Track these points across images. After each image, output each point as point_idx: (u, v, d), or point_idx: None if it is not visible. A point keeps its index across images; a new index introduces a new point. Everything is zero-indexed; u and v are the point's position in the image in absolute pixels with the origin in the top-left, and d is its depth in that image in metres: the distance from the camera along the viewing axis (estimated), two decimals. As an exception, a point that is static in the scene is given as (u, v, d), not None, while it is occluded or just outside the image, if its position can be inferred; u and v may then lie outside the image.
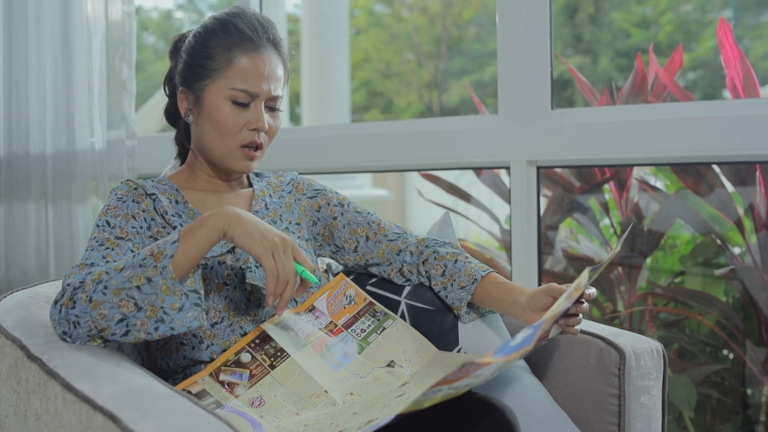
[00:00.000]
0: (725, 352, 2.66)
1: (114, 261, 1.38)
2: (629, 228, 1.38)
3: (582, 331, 1.57)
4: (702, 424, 2.60)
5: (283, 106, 1.62)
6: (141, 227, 1.47)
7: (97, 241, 1.42)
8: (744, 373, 2.55)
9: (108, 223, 1.45)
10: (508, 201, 2.29)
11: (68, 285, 1.29)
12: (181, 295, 1.26)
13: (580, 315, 1.40)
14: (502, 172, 2.89)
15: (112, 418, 1.02)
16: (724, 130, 1.97)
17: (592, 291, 1.39)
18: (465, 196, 2.88)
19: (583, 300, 1.39)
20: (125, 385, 1.11)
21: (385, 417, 1.13)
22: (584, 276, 1.23)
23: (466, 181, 3.14)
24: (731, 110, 2.01)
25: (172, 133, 1.77)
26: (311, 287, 1.56)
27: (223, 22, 1.54)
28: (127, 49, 2.51)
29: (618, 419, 1.50)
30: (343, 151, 2.47)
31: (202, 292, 1.32)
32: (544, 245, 2.73)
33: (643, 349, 1.52)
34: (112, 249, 1.41)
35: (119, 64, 2.51)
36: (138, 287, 1.25)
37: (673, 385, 2.42)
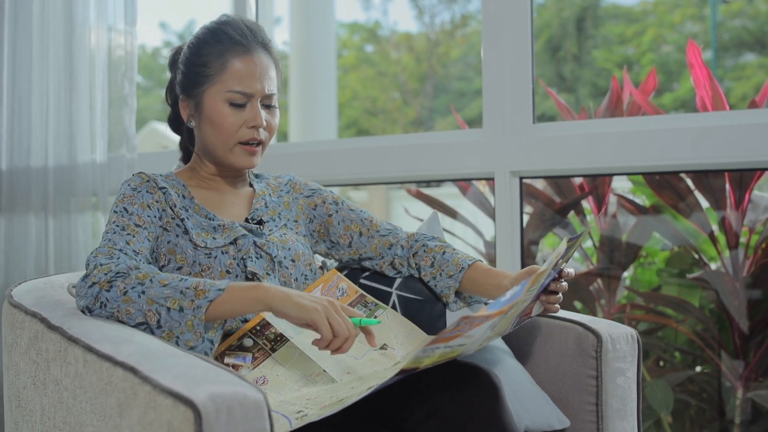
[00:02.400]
0: (702, 361, 2.76)
1: (134, 247, 1.49)
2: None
3: (561, 318, 1.68)
4: (680, 430, 2.70)
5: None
6: (154, 216, 1.58)
7: (118, 226, 1.52)
8: (720, 380, 2.65)
9: (126, 209, 1.55)
10: (493, 217, 2.40)
11: (102, 265, 1.39)
12: (199, 337, 1.35)
13: (560, 294, 1.51)
14: (487, 191, 3.02)
15: (132, 370, 1.12)
16: (695, 140, 2.10)
17: (571, 271, 1.50)
18: (451, 213, 3.00)
19: (563, 279, 1.49)
20: (143, 346, 1.20)
21: (384, 381, 1.23)
22: (563, 245, 1.34)
23: (453, 200, 3.25)
24: (701, 122, 2.15)
25: (170, 150, 1.87)
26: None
27: (213, 31, 1.66)
28: (129, 67, 2.62)
29: (596, 399, 1.60)
30: (333, 165, 2.58)
31: (217, 344, 1.42)
32: (527, 258, 2.84)
33: (619, 334, 1.62)
34: (133, 235, 1.51)
35: (121, 80, 2.62)
36: (168, 309, 1.34)
37: (651, 389, 2.52)
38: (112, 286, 1.36)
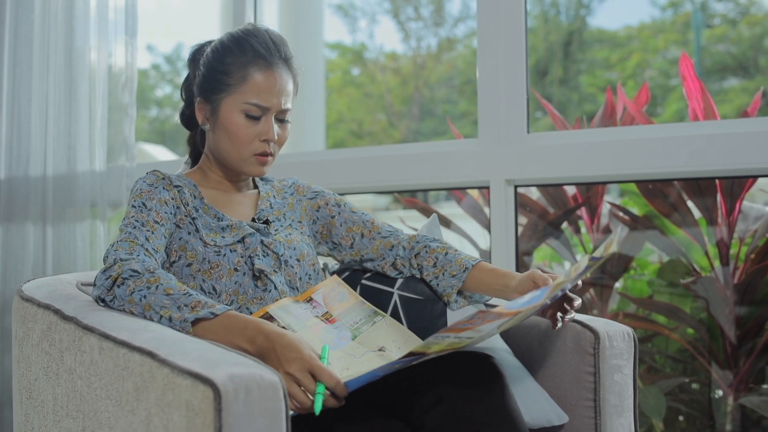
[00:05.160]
0: (692, 369, 2.80)
1: (153, 244, 1.52)
2: (617, 230, 1.54)
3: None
4: (671, 439, 2.74)
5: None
6: (170, 213, 1.61)
7: (137, 221, 1.55)
8: (710, 388, 2.69)
9: (144, 205, 1.59)
10: (487, 227, 2.44)
11: (123, 260, 1.43)
12: None
13: (573, 313, 1.56)
14: (481, 201, 3.06)
15: (150, 354, 1.14)
16: (687, 149, 2.15)
17: (578, 302, 1.58)
18: (445, 222, 3.04)
19: (573, 307, 1.55)
20: (158, 333, 1.23)
21: (387, 363, 1.26)
22: (584, 261, 1.38)
23: (449, 211, 3.29)
24: (693, 131, 2.20)
25: (170, 160, 1.90)
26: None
27: (238, 40, 1.68)
28: (129, 77, 2.66)
29: (594, 395, 1.63)
30: (330, 174, 2.62)
31: None
32: (521, 268, 2.88)
33: (616, 332, 1.66)
34: (152, 232, 1.55)
35: (121, 90, 2.65)
36: (160, 317, 1.35)
37: (643, 395, 2.56)
38: (124, 283, 1.40)
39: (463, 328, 1.20)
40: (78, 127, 2.64)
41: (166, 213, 1.60)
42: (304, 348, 1.26)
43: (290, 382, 1.23)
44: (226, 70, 1.66)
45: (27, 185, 2.65)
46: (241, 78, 1.65)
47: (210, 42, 1.77)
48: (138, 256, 1.47)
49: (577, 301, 1.58)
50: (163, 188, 1.64)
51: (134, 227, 1.54)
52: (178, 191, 1.65)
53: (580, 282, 1.55)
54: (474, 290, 1.71)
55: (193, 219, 1.63)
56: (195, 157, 1.86)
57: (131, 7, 2.67)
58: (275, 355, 1.26)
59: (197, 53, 1.78)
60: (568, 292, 1.55)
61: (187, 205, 1.65)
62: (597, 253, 1.37)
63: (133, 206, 1.59)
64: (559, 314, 1.59)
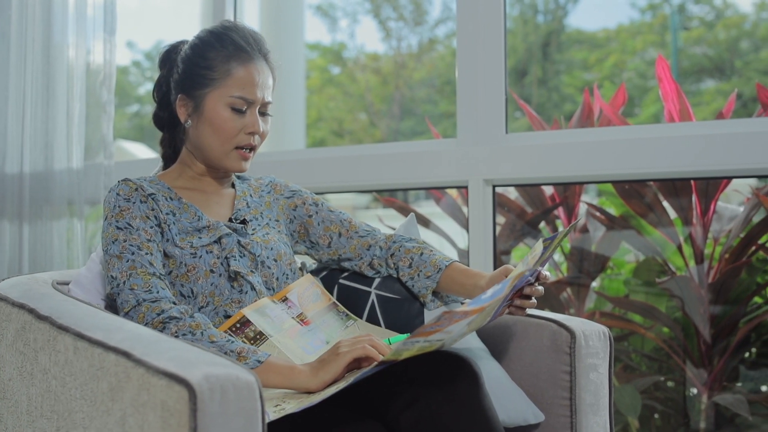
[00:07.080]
0: (668, 368, 2.83)
1: (157, 268, 1.54)
2: (579, 220, 1.53)
3: (536, 316, 1.73)
4: (646, 437, 2.76)
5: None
6: (156, 226, 1.60)
7: (132, 245, 1.54)
8: (685, 386, 2.72)
9: (130, 225, 1.57)
10: (466, 227, 2.45)
11: (146, 302, 1.46)
12: None
13: (533, 299, 1.54)
14: (460, 201, 3.07)
15: (125, 354, 1.14)
16: (663, 150, 2.17)
17: (548, 274, 1.54)
18: (424, 222, 3.05)
19: (540, 282, 1.53)
20: (134, 333, 1.23)
21: (363, 372, 1.27)
22: (538, 246, 1.39)
23: (427, 210, 3.30)
24: (668, 132, 2.22)
25: (147, 159, 1.88)
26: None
27: (218, 35, 1.68)
28: (108, 75, 2.64)
29: (570, 393, 1.64)
30: (311, 173, 2.62)
31: None
32: (499, 267, 2.89)
33: (592, 331, 1.67)
34: (150, 253, 1.55)
35: (99, 88, 2.64)
36: None
37: (619, 393, 2.58)
38: (165, 327, 1.43)
39: (431, 332, 1.20)
40: (55, 125, 2.63)
41: (151, 228, 1.59)
42: (340, 342, 1.41)
43: (359, 350, 1.37)
44: (209, 65, 1.66)
45: (3, 183, 2.63)
46: (225, 72, 1.65)
47: (183, 42, 1.76)
48: (158, 292, 1.49)
49: (539, 287, 1.53)
50: (140, 201, 1.61)
51: (132, 253, 1.53)
52: (153, 200, 1.63)
53: (547, 273, 1.53)
54: (447, 291, 1.72)
55: (169, 226, 1.62)
56: (168, 158, 1.84)
57: (110, 5, 2.66)
58: (331, 356, 1.39)
59: (171, 52, 1.77)
60: (531, 279, 1.51)
61: (162, 211, 1.63)
62: (549, 236, 1.39)
63: (120, 228, 1.56)
64: (517, 302, 1.54)
